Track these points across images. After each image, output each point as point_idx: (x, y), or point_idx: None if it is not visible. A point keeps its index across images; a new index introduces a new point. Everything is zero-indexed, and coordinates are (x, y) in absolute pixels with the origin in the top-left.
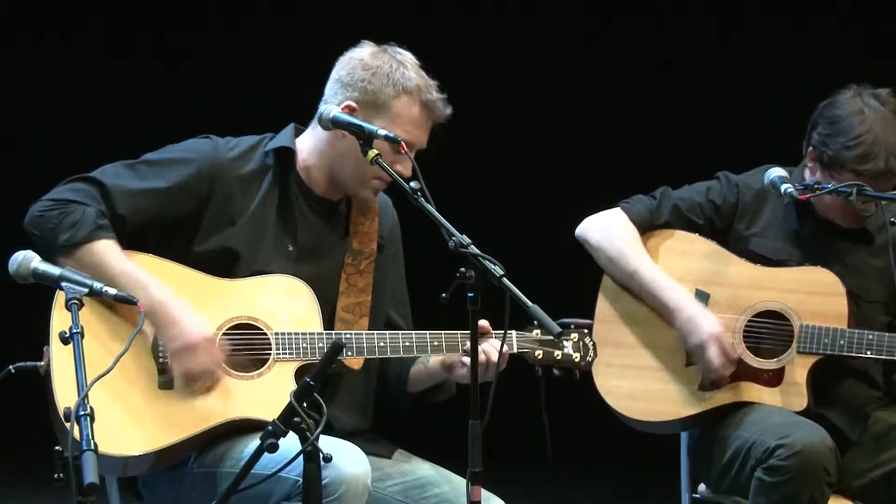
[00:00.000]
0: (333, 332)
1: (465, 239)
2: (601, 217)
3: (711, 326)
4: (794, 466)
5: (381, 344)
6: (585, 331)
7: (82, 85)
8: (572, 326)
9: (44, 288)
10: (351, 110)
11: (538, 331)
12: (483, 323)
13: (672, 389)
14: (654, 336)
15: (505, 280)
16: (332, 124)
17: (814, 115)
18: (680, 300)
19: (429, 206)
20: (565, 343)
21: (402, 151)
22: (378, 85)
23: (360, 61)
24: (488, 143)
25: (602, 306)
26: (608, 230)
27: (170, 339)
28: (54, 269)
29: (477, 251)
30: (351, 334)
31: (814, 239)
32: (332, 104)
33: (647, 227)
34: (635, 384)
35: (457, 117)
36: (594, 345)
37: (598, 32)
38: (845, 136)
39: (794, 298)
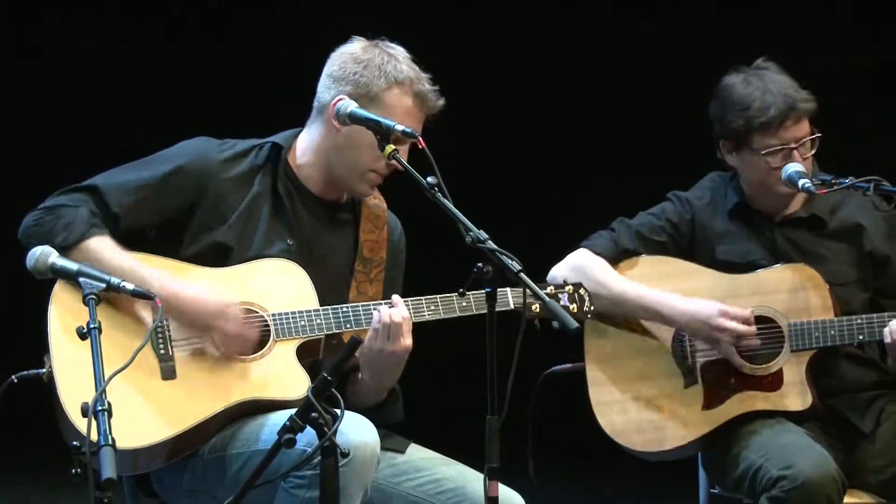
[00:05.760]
0: (330, 307)
1: (483, 234)
2: (566, 261)
3: (710, 306)
4: (796, 499)
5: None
6: (580, 282)
7: (79, 88)
8: (563, 281)
9: (39, 298)
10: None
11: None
12: (394, 297)
13: (677, 414)
14: (648, 366)
15: (522, 275)
16: (350, 119)
17: (708, 109)
18: (671, 304)
19: (446, 202)
20: (560, 295)
21: (420, 146)
22: (370, 77)
23: (351, 55)
24: (501, 140)
25: (590, 347)
26: (579, 268)
27: (189, 325)
28: (72, 265)
29: (494, 246)
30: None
31: (766, 235)
32: (325, 100)
33: (613, 256)
34: (639, 416)
35: (471, 113)
36: (590, 295)
37: (623, 30)
38: (739, 104)
39: (778, 299)
